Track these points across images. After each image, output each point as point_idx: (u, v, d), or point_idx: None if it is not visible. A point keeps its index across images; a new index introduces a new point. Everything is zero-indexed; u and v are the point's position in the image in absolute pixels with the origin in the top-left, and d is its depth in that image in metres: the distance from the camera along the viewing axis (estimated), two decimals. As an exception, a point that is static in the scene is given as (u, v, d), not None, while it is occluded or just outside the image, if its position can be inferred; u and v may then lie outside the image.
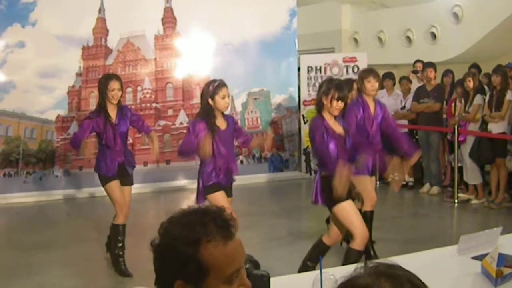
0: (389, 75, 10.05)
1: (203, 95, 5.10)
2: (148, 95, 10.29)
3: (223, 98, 5.00)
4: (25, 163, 9.62)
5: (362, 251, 4.75)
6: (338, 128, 4.76)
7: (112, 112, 5.70)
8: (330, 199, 4.66)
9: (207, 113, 5.04)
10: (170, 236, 1.58)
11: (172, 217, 1.64)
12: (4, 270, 5.72)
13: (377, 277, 1.27)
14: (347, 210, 4.66)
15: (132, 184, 5.96)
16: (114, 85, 5.62)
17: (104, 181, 5.73)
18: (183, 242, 1.55)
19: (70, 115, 9.88)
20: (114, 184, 5.71)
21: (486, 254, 2.77)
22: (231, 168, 5.20)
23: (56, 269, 5.79)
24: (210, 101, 4.99)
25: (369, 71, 5.86)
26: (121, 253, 5.62)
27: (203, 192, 5.09)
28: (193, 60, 10.46)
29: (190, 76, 10.55)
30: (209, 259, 1.54)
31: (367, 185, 5.70)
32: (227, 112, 5.32)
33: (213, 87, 5.00)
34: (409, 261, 2.95)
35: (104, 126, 5.63)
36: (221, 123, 5.12)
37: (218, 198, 5.05)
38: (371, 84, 5.71)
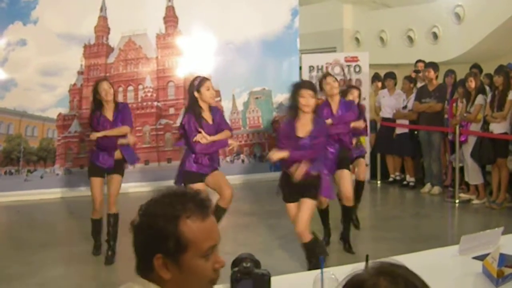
0: (390, 75, 10.06)
1: (189, 90, 5.56)
2: (149, 94, 10.28)
3: (208, 89, 5.47)
4: (26, 161, 9.62)
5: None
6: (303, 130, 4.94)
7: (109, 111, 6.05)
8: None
9: (193, 106, 5.48)
10: (151, 214, 1.67)
11: (151, 198, 1.72)
12: (4, 268, 5.71)
13: (378, 275, 1.29)
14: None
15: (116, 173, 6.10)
16: (102, 86, 6.04)
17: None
18: (163, 219, 1.64)
19: (71, 113, 9.88)
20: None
21: (487, 254, 2.76)
22: (212, 158, 5.63)
23: (56, 268, 5.79)
24: (196, 94, 5.45)
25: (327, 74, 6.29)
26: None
27: (182, 176, 5.52)
28: (195, 59, 10.45)
29: (192, 75, 10.46)
30: (188, 234, 1.64)
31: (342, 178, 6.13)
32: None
33: (198, 81, 5.49)
34: (410, 261, 2.94)
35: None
36: (207, 117, 5.53)
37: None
38: (330, 86, 6.04)
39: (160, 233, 1.63)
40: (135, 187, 9.25)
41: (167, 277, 1.65)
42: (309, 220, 5.00)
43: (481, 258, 2.87)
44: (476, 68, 9.09)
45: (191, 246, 1.64)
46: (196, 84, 5.48)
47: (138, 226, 1.68)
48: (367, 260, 1.96)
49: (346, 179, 6.15)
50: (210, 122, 5.53)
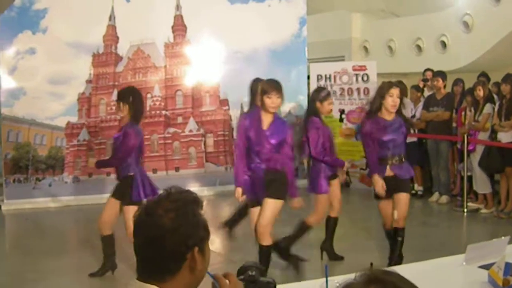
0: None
1: (312, 98, 5.99)
2: (157, 103, 10.32)
3: (329, 104, 5.91)
4: (34, 169, 9.67)
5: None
6: None
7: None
8: None
9: (317, 114, 5.82)
10: (178, 213, 1.71)
11: (147, 210, 1.75)
12: (12, 276, 5.74)
13: (368, 283, 1.31)
14: None
15: None
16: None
17: None
18: (191, 213, 1.75)
19: (80, 122, 9.93)
20: None
21: (493, 264, 2.76)
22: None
23: (64, 276, 5.81)
24: (318, 103, 5.80)
25: (272, 86, 5.03)
26: None
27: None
28: (203, 68, 10.49)
29: (200, 84, 10.58)
30: (205, 221, 1.79)
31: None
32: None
33: (324, 94, 5.89)
34: (417, 269, 2.95)
35: None
36: None
37: None
38: (272, 101, 4.98)
39: (192, 226, 1.72)
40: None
41: (201, 267, 1.73)
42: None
43: (487, 267, 2.87)
44: (483, 76, 9.07)
45: (208, 230, 1.78)
46: (323, 96, 5.85)
47: (166, 230, 1.68)
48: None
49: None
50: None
